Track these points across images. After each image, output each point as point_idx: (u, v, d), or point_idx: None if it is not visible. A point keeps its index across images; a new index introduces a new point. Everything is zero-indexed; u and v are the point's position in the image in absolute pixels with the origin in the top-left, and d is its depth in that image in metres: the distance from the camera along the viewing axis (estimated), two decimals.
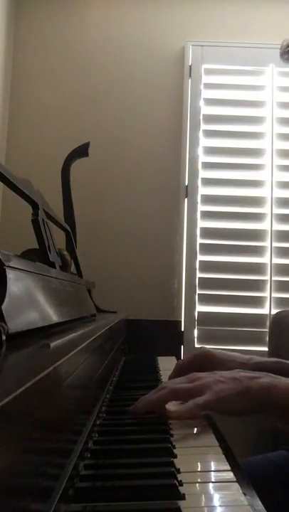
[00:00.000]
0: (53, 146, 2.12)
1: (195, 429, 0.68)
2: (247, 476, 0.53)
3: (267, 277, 2.10)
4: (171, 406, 0.73)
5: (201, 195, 2.16)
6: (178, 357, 1.58)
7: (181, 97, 2.22)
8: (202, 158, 2.18)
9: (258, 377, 0.70)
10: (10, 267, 0.55)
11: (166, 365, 1.26)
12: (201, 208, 2.15)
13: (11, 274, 0.54)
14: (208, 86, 2.23)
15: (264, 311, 2.09)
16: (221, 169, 2.18)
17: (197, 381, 0.72)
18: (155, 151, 2.21)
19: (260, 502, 0.47)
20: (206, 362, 0.87)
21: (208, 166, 2.18)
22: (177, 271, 2.14)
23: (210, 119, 2.21)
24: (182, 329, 1.93)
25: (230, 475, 0.53)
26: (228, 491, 0.49)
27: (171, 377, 0.92)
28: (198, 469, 0.56)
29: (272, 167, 2.16)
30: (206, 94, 2.22)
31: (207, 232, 2.14)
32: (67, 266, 1.30)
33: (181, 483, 0.49)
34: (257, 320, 2.08)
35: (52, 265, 0.92)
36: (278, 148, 2.18)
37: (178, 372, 0.91)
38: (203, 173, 2.17)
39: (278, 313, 2.00)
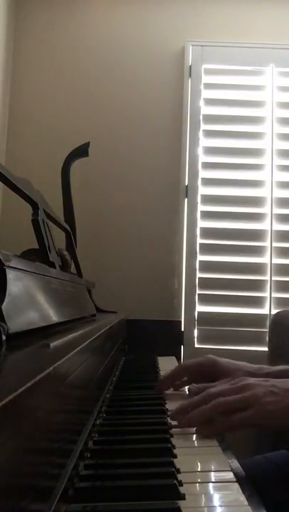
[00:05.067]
0: (53, 146, 2.12)
1: (195, 429, 0.68)
2: (247, 476, 0.53)
3: (267, 277, 2.10)
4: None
5: (201, 195, 2.16)
6: (178, 357, 1.58)
7: (181, 97, 2.22)
8: (202, 158, 2.18)
9: None
10: (10, 267, 0.55)
11: (166, 365, 1.26)
12: (201, 208, 2.15)
13: (11, 274, 0.54)
14: (208, 86, 2.23)
15: (264, 311, 2.09)
16: (221, 169, 2.18)
17: (245, 390, 0.66)
18: (155, 151, 2.21)
19: (260, 502, 0.47)
20: (211, 370, 0.85)
21: (208, 166, 2.18)
22: (177, 271, 2.14)
23: (210, 119, 2.20)
24: (182, 329, 1.94)
25: (230, 475, 0.53)
26: (228, 491, 0.49)
27: (168, 379, 0.91)
28: (198, 469, 0.56)
29: (272, 167, 2.16)
30: (206, 94, 2.22)
31: (207, 232, 2.14)
32: (67, 266, 1.30)
33: (181, 483, 0.49)
34: (257, 320, 2.08)
35: (52, 265, 0.92)
36: (278, 148, 2.17)
37: (179, 376, 0.91)
38: (203, 173, 2.17)
39: (278, 313, 2.00)
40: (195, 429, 0.67)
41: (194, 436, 0.67)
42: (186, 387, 0.91)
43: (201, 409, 0.66)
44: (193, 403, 0.69)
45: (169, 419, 0.71)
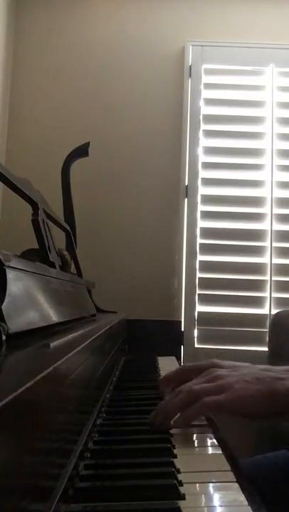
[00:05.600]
0: (53, 146, 2.12)
1: (195, 429, 0.68)
2: (247, 476, 0.53)
3: (267, 277, 2.10)
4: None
5: (201, 195, 2.16)
6: (178, 357, 1.58)
7: (181, 97, 2.22)
8: (202, 158, 2.18)
9: (284, 378, 0.65)
10: (10, 267, 0.55)
11: (166, 365, 1.26)
12: (201, 208, 2.15)
13: (11, 274, 0.54)
14: (208, 86, 2.23)
15: (264, 311, 2.09)
16: (221, 169, 2.18)
17: (218, 380, 0.66)
18: (155, 151, 2.21)
19: (260, 502, 0.47)
20: None
21: (208, 166, 2.18)
22: (177, 271, 2.14)
23: (210, 119, 2.21)
24: (182, 329, 1.94)
25: (230, 475, 0.53)
26: (228, 491, 0.49)
27: (166, 380, 0.91)
28: (198, 469, 0.56)
29: (272, 167, 2.16)
30: (206, 94, 2.22)
31: (207, 232, 2.14)
32: (67, 266, 1.30)
33: (181, 483, 0.49)
34: (257, 320, 2.08)
35: (52, 265, 0.92)
36: (278, 148, 2.18)
37: (179, 380, 0.91)
38: (203, 173, 2.17)
39: (278, 313, 2.00)
40: (172, 422, 0.66)
41: (194, 436, 0.67)
42: None
43: (175, 401, 0.66)
44: (168, 399, 0.69)
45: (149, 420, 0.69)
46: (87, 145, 1.68)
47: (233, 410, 0.64)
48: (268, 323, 2.05)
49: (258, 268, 2.11)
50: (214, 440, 0.65)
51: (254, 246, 2.12)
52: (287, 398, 0.63)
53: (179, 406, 0.65)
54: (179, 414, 0.66)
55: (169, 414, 0.66)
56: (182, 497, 0.46)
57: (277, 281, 2.10)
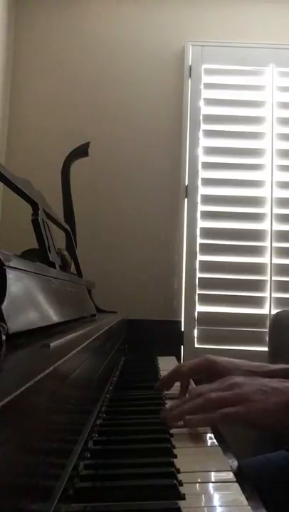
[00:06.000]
0: (53, 146, 2.12)
1: (195, 429, 0.68)
2: (247, 476, 0.53)
3: (267, 277, 2.10)
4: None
5: (201, 195, 2.16)
6: (178, 357, 1.58)
7: (181, 97, 2.22)
8: (202, 158, 2.18)
9: None
10: (10, 267, 0.55)
11: (166, 365, 1.26)
12: (201, 208, 2.15)
13: (11, 274, 0.54)
14: (208, 86, 2.23)
15: (264, 311, 2.09)
16: (221, 169, 2.18)
17: (234, 388, 0.66)
18: (155, 151, 2.21)
19: (260, 502, 0.47)
20: (209, 370, 0.85)
21: (208, 166, 2.18)
22: (177, 271, 2.14)
23: (210, 119, 2.20)
24: (182, 329, 1.94)
25: (230, 475, 0.53)
26: (228, 491, 0.49)
27: (165, 381, 0.92)
28: (198, 469, 0.56)
29: (272, 167, 2.16)
30: (206, 94, 2.22)
31: (207, 232, 2.14)
32: (67, 266, 1.30)
33: (181, 483, 0.49)
34: (257, 320, 2.08)
35: (52, 265, 0.92)
36: (278, 148, 2.17)
37: (175, 379, 0.91)
38: (203, 173, 2.17)
39: (278, 313, 2.00)
40: (182, 422, 0.67)
41: (194, 436, 0.66)
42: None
43: (191, 403, 0.67)
44: (184, 401, 0.70)
45: (160, 416, 0.70)
46: (87, 145, 1.68)
47: (247, 423, 0.64)
48: (267, 323, 2.05)
49: (258, 268, 2.11)
50: (214, 440, 0.65)
51: (254, 246, 2.12)
52: None
53: (194, 411, 0.66)
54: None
55: (183, 417, 0.66)
56: (182, 497, 0.46)
57: (277, 281, 2.10)
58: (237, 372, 0.80)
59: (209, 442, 0.65)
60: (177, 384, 0.91)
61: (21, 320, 0.53)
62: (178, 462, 0.55)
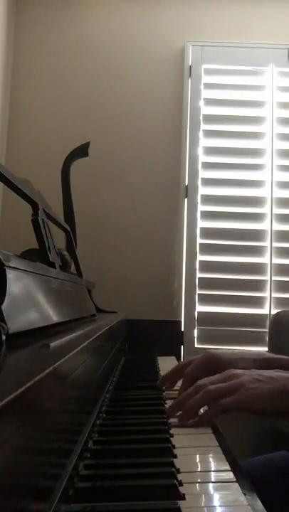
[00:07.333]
0: (53, 146, 2.12)
1: (195, 429, 0.68)
2: (247, 477, 0.53)
3: (267, 277, 2.10)
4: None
5: (201, 195, 2.16)
6: (178, 357, 1.58)
7: (181, 97, 2.22)
8: (202, 158, 2.18)
9: None
10: (10, 267, 0.55)
11: (166, 365, 1.26)
12: (201, 208, 2.15)
13: (11, 274, 0.54)
14: (208, 86, 2.23)
15: (264, 311, 2.09)
16: (221, 169, 2.18)
17: (233, 379, 0.71)
18: (155, 151, 2.21)
19: (260, 502, 0.47)
20: (213, 366, 0.86)
21: (208, 166, 2.18)
22: (177, 271, 2.14)
23: (210, 119, 2.21)
24: (182, 329, 1.94)
25: (230, 475, 0.53)
26: (228, 491, 0.49)
27: (166, 380, 0.92)
28: (198, 469, 0.56)
29: (272, 167, 2.16)
30: (206, 94, 2.22)
31: (207, 232, 2.14)
32: (67, 266, 1.30)
33: (181, 483, 0.49)
34: (257, 320, 2.08)
35: (52, 265, 0.92)
36: (278, 148, 2.18)
37: (178, 378, 0.91)
38: (203, 173, 2.17)
39: (278, 313, 2.00)
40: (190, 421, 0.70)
41: (194, 436, 0.67)
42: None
43: (192, 400, 0.70)
44: (186, 395, 0.73)
45: (167, 414, 0.73)
46: (87, 145, 1.68)
47: (243, 408, 0.68)
48: (267, 323, 2.05)
49: (258, 268, 2.11)
50: (214, 440, 0.65)
51: (254, 246, 2.12)
52: None
53: (196, 406, 0.70)
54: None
55: (188, 415, 0.70)
56: (182, 497, 0.46)
57: (277, 281, 2.10)
58: (241, 362, 0.82)
59: (209, 442, 0.65)
60: (177, 384, 0.91)
61: (21, 320, 0.53)
62: (178, 462, 0.55)
